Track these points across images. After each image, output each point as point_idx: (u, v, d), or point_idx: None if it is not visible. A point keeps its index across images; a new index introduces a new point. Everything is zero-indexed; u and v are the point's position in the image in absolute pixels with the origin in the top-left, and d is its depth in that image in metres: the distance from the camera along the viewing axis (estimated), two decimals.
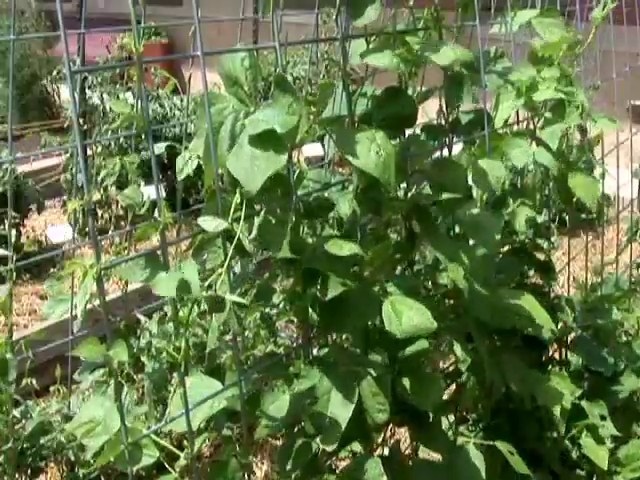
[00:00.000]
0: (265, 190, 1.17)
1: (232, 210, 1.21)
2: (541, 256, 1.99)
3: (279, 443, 2.11)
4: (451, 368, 1.90)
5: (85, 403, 1.39)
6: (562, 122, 1.69)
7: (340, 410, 1.33)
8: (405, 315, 1.36)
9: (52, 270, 4.11)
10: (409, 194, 1.59)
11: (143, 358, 1.91)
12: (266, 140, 1.17)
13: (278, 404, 1.38)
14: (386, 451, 1.68)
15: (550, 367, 2.06)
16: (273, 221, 1.27)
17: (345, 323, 1.41)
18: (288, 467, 1.40)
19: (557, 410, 1.69)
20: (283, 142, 1.19)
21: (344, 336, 1.57)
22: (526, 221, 1.79)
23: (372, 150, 1.30)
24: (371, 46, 1.43)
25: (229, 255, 1.20)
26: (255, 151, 1.17)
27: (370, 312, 1.40)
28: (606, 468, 1.79)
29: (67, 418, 2.00)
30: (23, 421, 1.99)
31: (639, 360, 1.97)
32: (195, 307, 1.28)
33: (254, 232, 1.25)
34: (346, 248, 1.30)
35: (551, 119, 1.71)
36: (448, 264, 1.46)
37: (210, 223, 1.20)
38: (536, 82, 1.67)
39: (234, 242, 1.20)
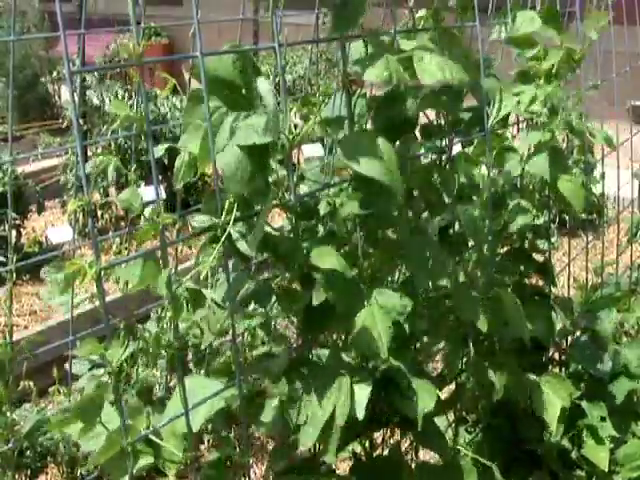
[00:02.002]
0: (257, 192, 1.17)
1: (225, 210, 1.21)
2: (540, 258, 1.99)
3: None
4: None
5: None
6: (549, 128, 1.71)
7: (318, 410, 1.33)
8: (363, 334, 1.36)
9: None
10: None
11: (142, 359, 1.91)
12: (254, 148, 1.18)
13: (268, 409, 1.37)
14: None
15: (550, 368, 2.06)
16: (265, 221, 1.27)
17: (327, 326, 1.41)
18: (279, 466, 1.41)
19: (552, 419, 1.68)
20: (267, 150, 1.19)
21: (343, 337, 1.57)
22: (525, 222, 1.79)
23: (375, 157, 1.30)
24: (368, 51, 1.42)
25: (214, 253, 1.20)
26: (243, 156, 1.18)
27: (352, 320, 1.39)
28: (607, 469, 1.80)
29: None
30: (22, 422, 1.99)
31: (638, 361, 1.97)
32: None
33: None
34: (327, 262, 1.29)
35: (540, 125, 1.73)
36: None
37: (204, 224, 1.20)
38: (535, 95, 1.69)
39: (220, 241, 1.20)
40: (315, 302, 1.31)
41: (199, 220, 1.21)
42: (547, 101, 1.69)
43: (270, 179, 1.29)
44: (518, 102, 1.70)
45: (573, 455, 1.87)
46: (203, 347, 1.59)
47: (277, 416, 1.35)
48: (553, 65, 1.76)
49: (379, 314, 1.37)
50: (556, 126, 1.71)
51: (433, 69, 1.42)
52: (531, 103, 1.69)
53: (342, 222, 1.44)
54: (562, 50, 1.76)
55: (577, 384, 1.90)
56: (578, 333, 2.10)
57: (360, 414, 1.33)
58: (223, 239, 1.20)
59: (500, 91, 1.70)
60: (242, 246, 1.28)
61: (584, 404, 1.86)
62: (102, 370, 1.91)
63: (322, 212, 1.47)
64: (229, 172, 1.18)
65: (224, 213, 1.21)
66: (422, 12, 1.65)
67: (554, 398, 1.70)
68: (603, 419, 1.85)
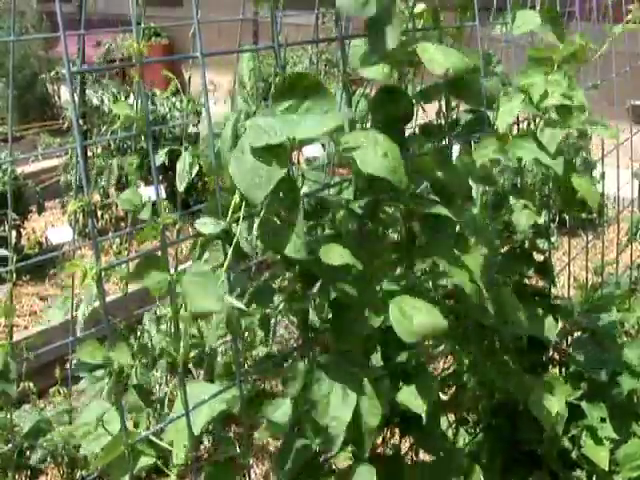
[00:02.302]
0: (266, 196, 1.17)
1: (231, 211, 1.21)
2: (540, 257, 1.99)
3: (278, 444, 2.11)
4: (452, 368, 1.90)
5: (86, 407, 1.39)
6: (564, 126, 1.69)
7: (340, 412, 1.33)
8: (416, 317, 1.34)
9: (52, 271, 4.11)
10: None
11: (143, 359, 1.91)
12: (268, 150, 1.17)
13: (282, 410, 1.37)
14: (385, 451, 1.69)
15: (550, 367, 2.06)
16: (277, 221, 1.27)
17: (350, 328, 1.40)
18: (287, 468, 1.40)
19: (548, 420, 1.68)
20: (285, 151, 1.19)
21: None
22: (529, 222, 1.79)
23: (378, 153, 1.30)
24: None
25: (229, 256, 1.20)
26: (257, 162, 1.17)
27: (375, 316, 1.39)
28: (607, 469, 1.79)
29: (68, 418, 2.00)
30: (22, 423, 1.99)
31: (638, 360, 1.97)
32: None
33: (254, 232, 1.25)
34: (338, 257, 1.29)
35: (554, 122, 1.70)
36: (449, 268, 1.45)
37: (207, 226, 1.20)
38: (546, 88, 1.67)
39: (233, 243, 1.20)
40: (327, 301, 1.31)
41: (201, 222, 1.21)
42: (565, 97, 1.67)
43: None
44: (525, 97, 1.68)
45: (573, 455, 1.87)
46: (207, 348, 1.60)
47: (290, 417, 1.35)
48: (570, 54, 1.73)
49: (409, 300, 1.37)
50: (578, 122, 1.69)
51: (440, 58, 1.42)
52: (543, 99, 1.67)
53: (344, 221, 1.45)
54: (581, 43, 1.74)
55: (577, 384, 1.90)
56: (578, 333, 2.10)
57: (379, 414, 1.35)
58: (235, 241, 1.20)
59: (499, 98, 1.70)
60: (244, 245, 1.28)
61: (584, 404, 1.86)
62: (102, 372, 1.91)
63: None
64: (246, 182, 1.17)
65: (230, 213, 1.21)
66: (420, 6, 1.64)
67: (548, 406, 1.70)
68: (603, 420, 1.85)
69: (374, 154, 1.30)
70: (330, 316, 1.41)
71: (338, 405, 1.33)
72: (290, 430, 1.40)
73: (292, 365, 1.40)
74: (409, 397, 1.44)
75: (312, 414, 1.33)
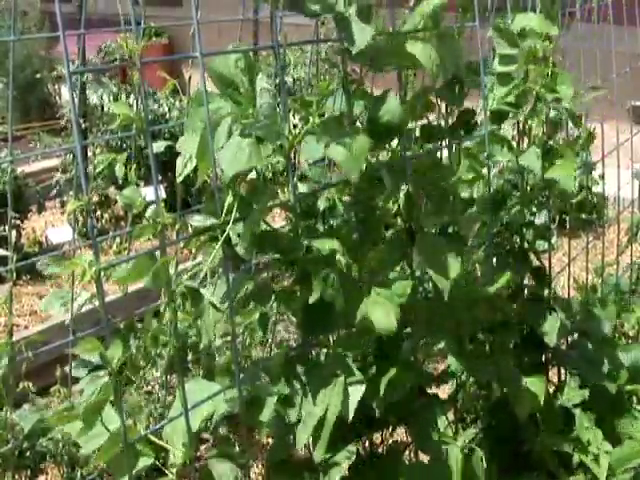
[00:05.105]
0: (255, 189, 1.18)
1: (225, 210, 1.21)
2: (538, 259, 1.99)
3: None
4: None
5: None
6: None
7: (312, 409, 1.34)
8: (373, 315, 1.37)
9: None
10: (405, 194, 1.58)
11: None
12: (258, 139, 1.19)
13: (267, 409, 1.38)
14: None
15: (549, 368, 2.06)
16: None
17: (327, 325, 1.41)
18: (276, 465, 1.41)
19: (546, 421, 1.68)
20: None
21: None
22: (527, 223, 1.79)
23: (346, 143, 1.29)
24: None
25: (214, 253, 1.20)
26: (243, 142, 1.19)
27: (352, 314, 1.40)
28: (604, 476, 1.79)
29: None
30: (22, 422, 1.99)
31: (635, 362, 1.96)
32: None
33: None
34: (328, 244, 1.31)
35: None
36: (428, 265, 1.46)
37: (202, 223, 1.21)
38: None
39: (221, 240, 1.20)
40: (311, 300, 1.31)
41: (196, 220, 1.22)
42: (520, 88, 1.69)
43: (269, 176, 1.29)
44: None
45: (574, 459, 1.86)
46: (201, 348, 1.60)
47: (275, 415, 1.36)
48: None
49: (383, 298, 1.38)
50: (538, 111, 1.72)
51: (433, 55, 1.42)
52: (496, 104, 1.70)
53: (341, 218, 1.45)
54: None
55: (574, 386, 1.90)
56: (577, 334, 2.10)
57: (350, 414, 1.34)
58: (222, 240, 1.20)
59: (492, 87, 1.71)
60: (239, 247, 1.28)
61: (578, 410, 1.86)
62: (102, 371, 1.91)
63: (321, 208, 1.48)
64: (228, 159, 1.19)
65: (223, 213, 1.21)
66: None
67: (531, 403, 1.70)
68: (597, 423, 1.84)
69: (342, 144, 1.29)
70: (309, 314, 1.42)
71: (313, 403, 1.34)
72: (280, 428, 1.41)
73: (274, 363, 1.41)
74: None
75: (287, 410, 1.34)
